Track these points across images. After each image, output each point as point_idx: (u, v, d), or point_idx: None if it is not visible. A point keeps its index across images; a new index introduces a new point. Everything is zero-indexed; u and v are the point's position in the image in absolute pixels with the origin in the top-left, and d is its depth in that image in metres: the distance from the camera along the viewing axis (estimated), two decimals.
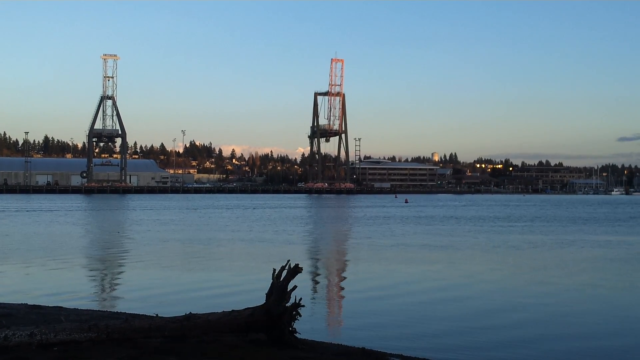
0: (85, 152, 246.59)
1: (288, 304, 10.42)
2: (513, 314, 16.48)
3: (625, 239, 41.63)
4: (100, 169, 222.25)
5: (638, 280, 23.57)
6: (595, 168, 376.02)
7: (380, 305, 17.34)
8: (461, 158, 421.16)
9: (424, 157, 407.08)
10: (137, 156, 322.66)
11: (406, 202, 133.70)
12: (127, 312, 14.27)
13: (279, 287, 10.38)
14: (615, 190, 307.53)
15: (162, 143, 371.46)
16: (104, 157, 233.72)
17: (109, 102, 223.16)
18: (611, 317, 16.31)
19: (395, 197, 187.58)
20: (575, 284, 21.85)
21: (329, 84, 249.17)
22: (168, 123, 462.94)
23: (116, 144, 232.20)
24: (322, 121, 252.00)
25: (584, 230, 49.91)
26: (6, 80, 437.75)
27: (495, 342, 13.42)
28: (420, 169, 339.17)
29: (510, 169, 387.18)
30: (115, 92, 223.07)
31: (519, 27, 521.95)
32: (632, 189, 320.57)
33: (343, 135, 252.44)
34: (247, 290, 19.30)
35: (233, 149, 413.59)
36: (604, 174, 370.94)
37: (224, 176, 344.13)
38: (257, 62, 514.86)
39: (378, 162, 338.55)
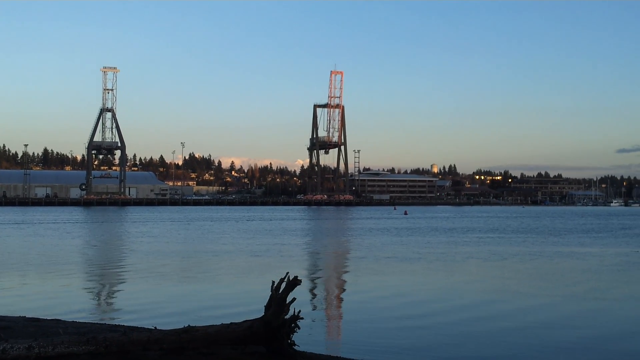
0: (84, 164, 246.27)
1: (287, 317, 10.38)
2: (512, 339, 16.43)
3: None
4: (100, 181, 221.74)
5: None
6: (595, 179, 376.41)
7: (379, 317, 17.30)
8: (460, 170, 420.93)
9: (423, 169, 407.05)
10: (136, 168, 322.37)
11: (405, 213, 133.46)
12: (125, 324, 14.24)
13: (278, 299, 10.35)
14: (614, 201, 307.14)
15: (161, 155, 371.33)
16: (103, 170, 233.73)
17: (109, 115, 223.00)
18: None
19: (395, 209, 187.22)
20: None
21: (329, 96, 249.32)
22: (167, 135, 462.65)
23: (115, 156, 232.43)
24: (322, 133, 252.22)
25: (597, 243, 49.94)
26: (6, 93, 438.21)
27: None
28: (419, 181, 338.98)
29: (510, 180, 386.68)
30: (114, 104, 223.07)
31: (518, 39, 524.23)
32: (631, 201, 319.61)
33: (342, 147, 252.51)
34: (246, 302, 19.25)
35: (232, 161, 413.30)
36: (603, 186, 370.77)
37: (223, 188, 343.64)
38: (257, 74, 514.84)
39: (377, 174, 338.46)
